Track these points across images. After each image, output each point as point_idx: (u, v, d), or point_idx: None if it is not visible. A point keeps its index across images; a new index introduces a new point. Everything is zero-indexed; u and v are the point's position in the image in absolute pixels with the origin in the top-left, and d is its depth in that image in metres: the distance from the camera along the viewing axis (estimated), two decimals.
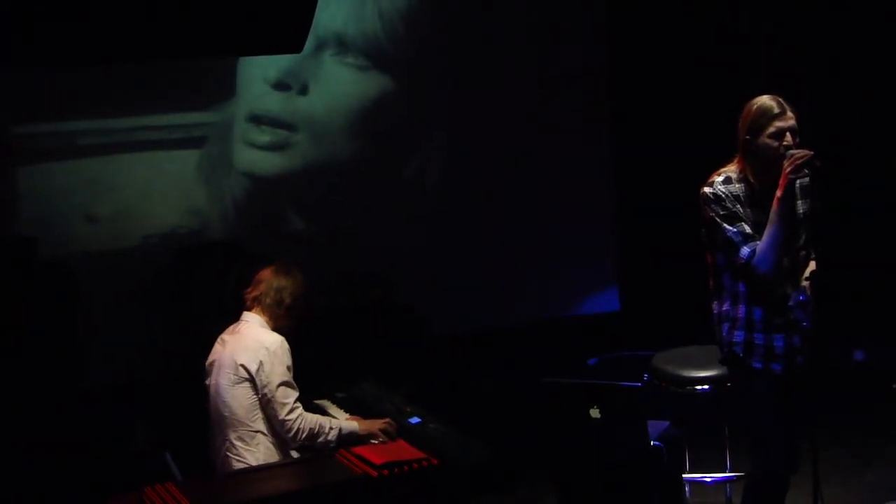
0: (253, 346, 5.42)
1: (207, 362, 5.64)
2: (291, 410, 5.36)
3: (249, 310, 5.59)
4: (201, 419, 5.75)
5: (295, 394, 5.40)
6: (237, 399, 5.40)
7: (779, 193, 4.94)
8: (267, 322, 5.53)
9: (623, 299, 9.81)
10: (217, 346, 5.62)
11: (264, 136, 8.71)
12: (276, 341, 5.43)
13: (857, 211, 8.26)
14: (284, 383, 5.37)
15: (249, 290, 5.62)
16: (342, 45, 8.85)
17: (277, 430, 5.41)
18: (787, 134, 4.98)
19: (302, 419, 5.37)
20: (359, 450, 5.16)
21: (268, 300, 5.54)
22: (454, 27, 9.24)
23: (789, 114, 5.01)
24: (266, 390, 5.35)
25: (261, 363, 5.36)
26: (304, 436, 5.38)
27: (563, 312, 9.40)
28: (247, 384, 5.38)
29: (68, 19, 6.21)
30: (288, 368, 5.41)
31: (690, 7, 9.14)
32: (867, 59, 8.66)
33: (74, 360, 7.35)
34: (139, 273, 8.20)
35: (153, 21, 6.28)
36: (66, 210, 8.08)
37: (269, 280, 5.57)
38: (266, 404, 5.39)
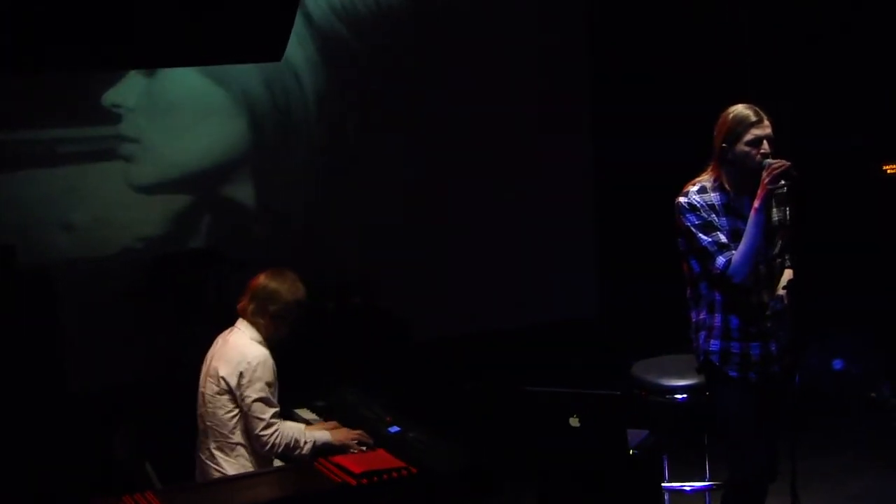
0: (235, 358, 5.37)
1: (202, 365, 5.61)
2: (268, 426, 5.33)
3: (242, 317, 5.54)
4: (181, 427, 5.74)
5: (272, 410, 5.36)
6: (219, 410, 5.38)
7: (756, 204, 4.96)
8: (257, 331, 5.47)
9: (603, 306, 9.81)
10: (209, 352, 5.57)
11: (240, 140, 8.70)
12: (259, 356, 5.37)
13: (835, 218, 8.27)
14: (261, 399, 5.33)
15: (241, 297, 5.55)
16: (317, 39, 8.82)
17: (254, 443, 5.39)
18: (764, 142, 5.01)
19: (278, 435, 5.33)
20: (338, 459, 5.16)
21: (251, 308, 5.47)
22: (433, 30, 9.24)
23: (766, 122, 5.05)
24: (243, 404, 5.33)
25: (240, 376, 5.32)
26: (279, 450, 5.36)
27: (542, 319, 9.39)
28: (227, 396, 5.36)
29: (48, 26, 6.19)
30: (268, 384, 5.35)
31: (674, 15, 9.15)
32: (848, 65, 8.68)
33: (52, 369, 7.33)
34: (117, 281, 8.16)
35: (133, 30, 6.26)
36: (43, 218, 8.05)
37: (254, 287, 5.49)
38: (244, 417, 5.36)
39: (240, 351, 5.40)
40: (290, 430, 5.42)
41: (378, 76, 9.07)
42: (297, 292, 5.49)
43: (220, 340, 5.57)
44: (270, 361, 5.41)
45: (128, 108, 8.28)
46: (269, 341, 5.49)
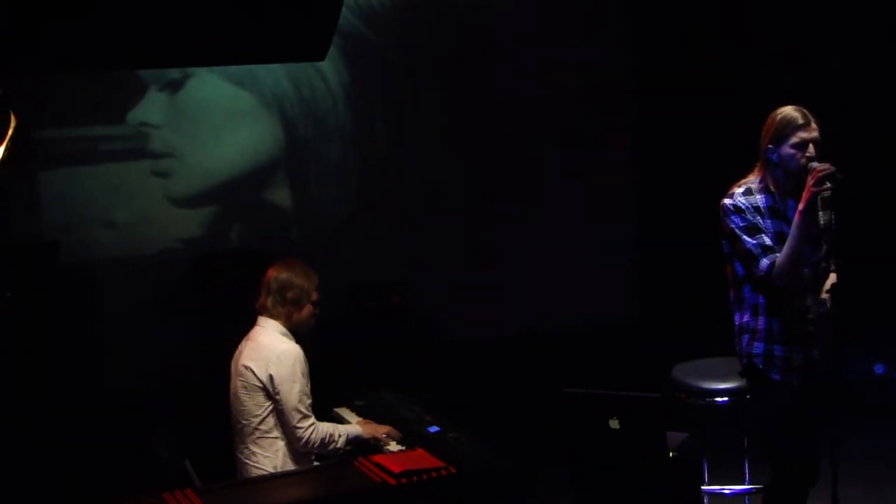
0: (265, 354, 5.42)
1: (231, 367, 5.64)
2: (304, 418, 5.37)
3: (261, 314, 5.58)
4: (220, 425, 5.76)
5: (308, 401, 5.40)
6: (252, 406, 5.41)
7: (801, 207, 4.93)
8: (281, 324, 5.51)
9: (644, 308, 9.78)
10: (236, 354, 5.62)
11: (274, 140, 8.72)
12: (289, 350, 5.42)
13: (880, 223, 8.22)
14: (297, 392, 5.36)
15: (258, 296, 5.60)
16: (353, 38, 8.80)
17: (290, 437, 5.41)
18: (811, 145, 4.98)
19: (314, 429, 5.38)
20: (377, 458, 5.16)
21: (269, 301, 5.52)
22: (464, 26, 9.21)
23: (813, 125, 5.02)
24: (278, 397, 5.35)
25: (272, 372, 5.36)
26: (315, 445, 5.39)
27: (583, 320, 9.36)
28: (260, 392, 5.38)
29: (89, 23, 6.21)
30: (302, 376, 5.40)
31: (716, 18, 9.11)
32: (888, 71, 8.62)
33: (94, 364, 7.37)
34: (158, 279, 8.20)
35: (176, 28, 6.28)
36: (86, 215, 8.09)
37: (267, 281, 5.55)
38: (280, 412, 5.38)
39: (268, 346, 5.44)
40: (325, 426, 5.47)
41: (403, 73, 9.03)
42: (309, 276, 5.57)
43: (244, 341, 5.60)
44: (301, 354, 5.45)
45: (154, 125, 8.30)
46: (295, 331, 5.55)
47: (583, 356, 8.70)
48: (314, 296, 5.56)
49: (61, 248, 7.49)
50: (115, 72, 7.98)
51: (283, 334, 5.51)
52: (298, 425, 5.36)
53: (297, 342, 5.54)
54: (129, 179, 8.22)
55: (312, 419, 5.41)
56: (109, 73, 8.01)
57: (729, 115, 8.26)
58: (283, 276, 5.52)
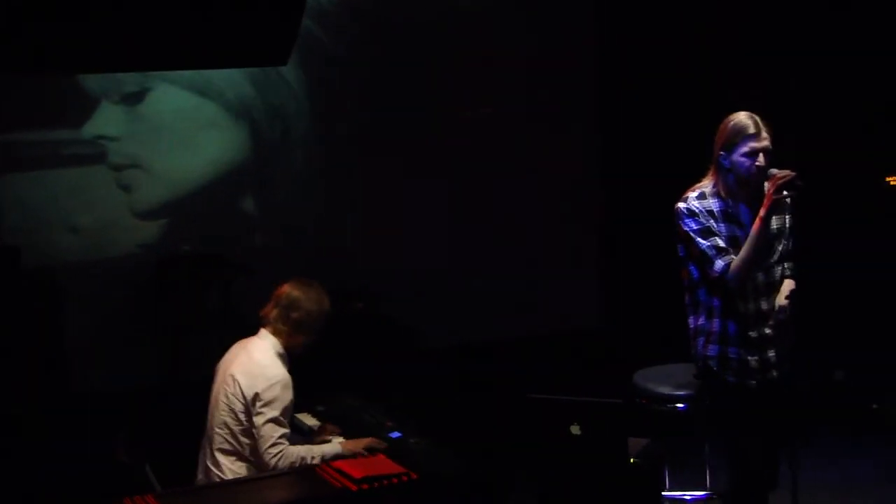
0: (255, 372, 5.35)
1: (217, 368, 5.58)
2: (274, 446, 5.28)
3: (264, 326, 5.51)
4: (182, 430, 5.74)
5: (281, 430, 5.31)
6: (228, 418, 5.35)
7: (762, 213, 4.95)
8: (280, 343, 5.45)
9: (606, 315, 9.81)
10: (227, 355, 5.55)
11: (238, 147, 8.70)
12: (280, 377, 5.34)
13: (838, 225, 8.27)
14: (273, 420, 5.28)
15: (266, 304, 5.52)
16: (309, 40, 8.77)
17: (257, 460, 5.36)
18: (761, 154, 5.00)
19: (282, 457, 5.28)
20: (338, 464, 5.15)
21: (274, 314, 5.45)
22: (426, 26, 9.22)
23: (764, 134, 5.03)
24: (255, 419, 5.30)
25: (258, 393, 5.29)
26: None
27: (545, 328, 9.39)
28: (240, 405, 5.33)
29: (55, 27, 6.20)
30: (284, 407, 5.32)
31: (683, 18, 9.15)
32: (853, 74, 8.67)
33: (56, 370, 7.34)
34: (121, 283, 8.19)
35: (140, 32, 6.28)
36: (49, 219, 8.06)
37: (278, 294, 5.47)
38: (254, 432, 5.33)
39: (262, 367, 5.36)
40: (296, 451, 5.36)
41: (365, 76, 9.03)
42: (320, 302, 5.49)
43: (238, 348, 5.54)
44: (290, 382, 5.38)
45: (111, 137, 8.26)
46: (289, 350, 5.48)
47: (548, 362, 8.72)
48: (318, 324, 5.50)
49: (25, 252, 7.46)
50: (78, 75, 7.96)
51: (279, 355, 5.43)
52: (267, 451, 5.29)
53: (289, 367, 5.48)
54: (92, 184, 8.20)
55: (283, 446, 5.31)
56: (72, 77, 7.99)
57: (695, 123, 8.29)
58: (295, 294, 5.44)
